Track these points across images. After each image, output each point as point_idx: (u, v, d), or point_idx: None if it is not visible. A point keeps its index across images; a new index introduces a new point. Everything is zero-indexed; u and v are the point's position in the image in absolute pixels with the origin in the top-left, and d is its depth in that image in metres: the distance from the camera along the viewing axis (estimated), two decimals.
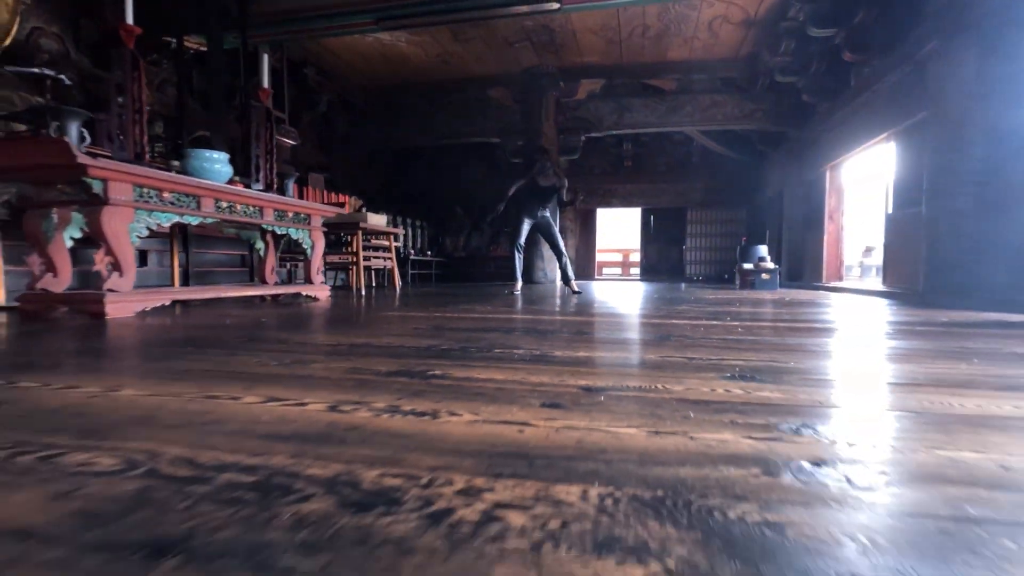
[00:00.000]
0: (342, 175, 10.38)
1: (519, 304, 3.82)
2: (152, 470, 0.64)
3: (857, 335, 2.07)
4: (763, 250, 7.41)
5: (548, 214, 5.23)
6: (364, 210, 9.00)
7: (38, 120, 2.61)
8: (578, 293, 5.29)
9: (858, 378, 1.25)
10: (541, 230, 5.25)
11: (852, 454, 0.71)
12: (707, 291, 6.52)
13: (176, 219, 2.90)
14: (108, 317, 2.48)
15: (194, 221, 3.02)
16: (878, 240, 11.29)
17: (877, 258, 11.10)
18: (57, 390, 1.07)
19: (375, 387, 1.09)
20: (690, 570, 0.43)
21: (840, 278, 7.43)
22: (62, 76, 4.21)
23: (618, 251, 15.10)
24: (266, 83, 4.07)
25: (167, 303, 2.86)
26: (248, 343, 1.75)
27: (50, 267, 2.66)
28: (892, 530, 0.50)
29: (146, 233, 2.72)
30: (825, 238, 7.44)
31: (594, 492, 0.58)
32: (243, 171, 3.91)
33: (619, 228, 15.70)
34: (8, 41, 4.14)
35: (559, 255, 5.30)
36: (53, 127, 2.53)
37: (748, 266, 7.16)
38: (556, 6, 5.07)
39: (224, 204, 3.25)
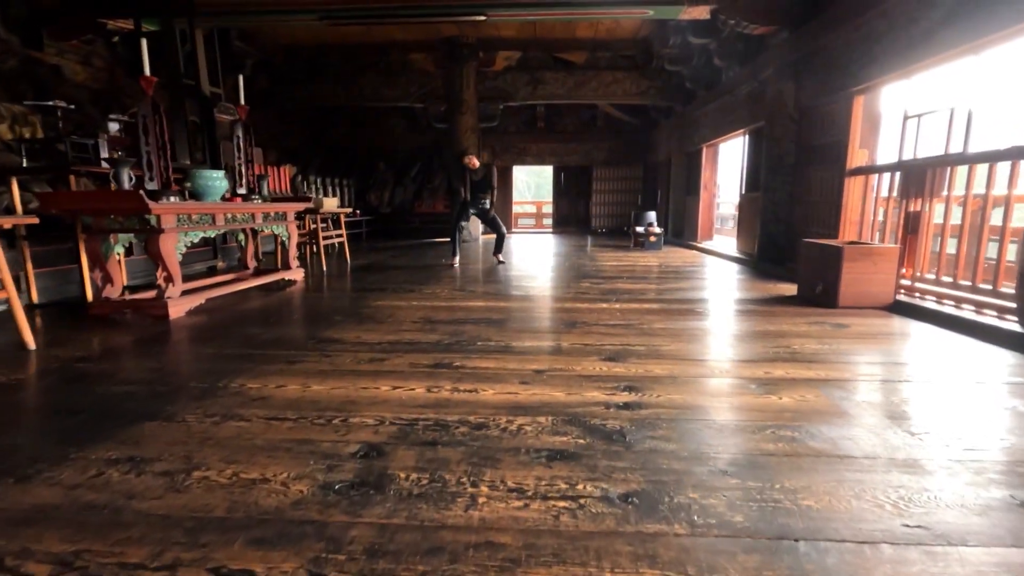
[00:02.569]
0: (264, 134, 10.55)
1: (464, 282, 4.95)
2: (391, 422, 1.77)
3: (693, 324, 3.46)
4: (652, 216, 8.96)
5: (487, 204, 6.26)
6: (299, 178, 9.45)
7: (113, 169, 3.26)
8: (502, 263, 6.48)
9: (675, 358, 2.56)
10: (484, 219, 6.31)
11: (644, 399, 1.99)
12: (607, 252, 7.97)
13: (201, 235, 3.69)
14: (171, 318, 3.34)
15: (212, 234, 3.81)
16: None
17: None
18: (273, 389, 2.11)
19: (436, 377, 2.23)
20: (581, 441, 1.66)
21: (711, 237, 9.19)
22: (71, 106, 4.65)
23: (533, 203, 16.32)
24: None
25: (203, 302, 3.70)
26: (315, 345, 2.79)
27: (108, 279, 3.42)
28: (643, 420, 1.76)
29: (185, 250, 3.52)
30: (700, 204, 9.09)
31: (547, 417, 1.80)
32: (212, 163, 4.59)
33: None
34: None
35: (500, 235, 6.42)
36: (111, 173, 3.22)
37: (640, 229, 8.68)
38: (483, 18, 5.87)
39: (230, 216, 4.03)
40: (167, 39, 5.66)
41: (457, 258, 6.26)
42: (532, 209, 16.30)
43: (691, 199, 9.58)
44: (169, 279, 3.39)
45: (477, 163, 6.15)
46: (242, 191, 4.55)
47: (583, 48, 10.05)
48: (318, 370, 2.32)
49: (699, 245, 8.58)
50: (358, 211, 11.15)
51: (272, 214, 4.64)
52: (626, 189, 13.35)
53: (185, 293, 3.62)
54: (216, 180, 4.00)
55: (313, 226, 6.89)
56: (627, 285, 4.78)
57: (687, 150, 9.66)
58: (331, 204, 6.09)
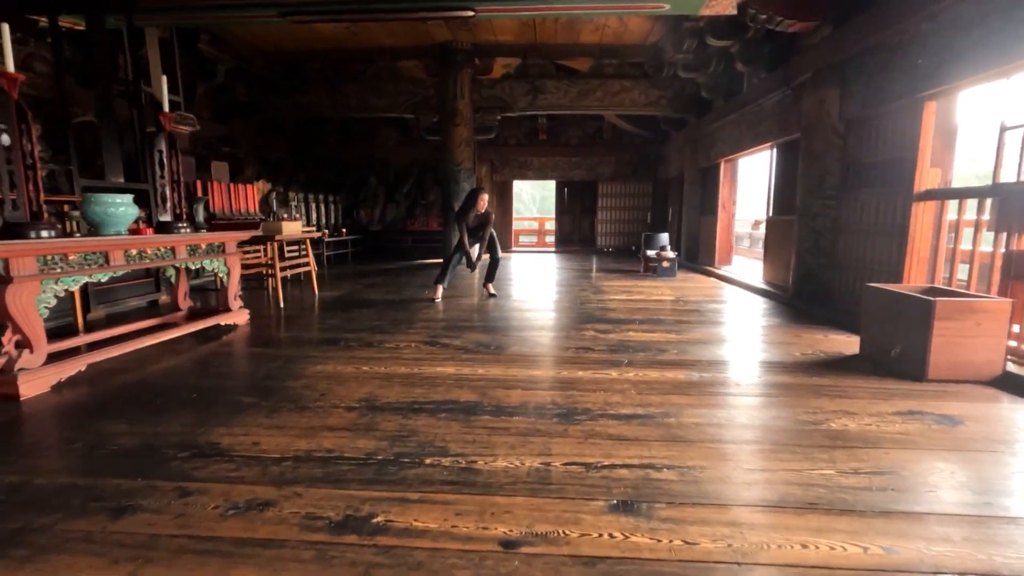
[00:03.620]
0: (245, 147, 9.77)
1: (441, 328, 4.05)
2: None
3: (741, 415, 2.53)
4: (664, 238, 8.04)
5: (486, 235, 5.47)
6: (274, 196, 8.63)
7: None
8: (493, 296, 5.59)
9: (728, 501, 1.65)
10: (481, 240, 5.49)
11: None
12: (614, 279, 7.06)
13: (85, 280, 2.81)
14: (23, 398, 2.45)
15: (104, 278, 2.94)
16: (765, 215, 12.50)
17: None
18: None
19: (334, 562, 1.33)
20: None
21: (730, 261, 8.27)
22: None
23: (535, 219, 15.48)
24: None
25: (82, 369, 2.81)
26: (183, 464, 1.89)
27: None
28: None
29: (54, 302, 2.64)
30: (718, 225, 8.18)
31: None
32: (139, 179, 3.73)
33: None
34: None
35: (494, 259, 5.57)
36: None
37: (651, 253, 7.77)
38: (470, 13, 5.04)
39: (134, 252, 3.15)
40: (95, 36, 4.83)
41: (441, 290, 5.36)
42: (534, 226, 15.44)
43: (707, 219, 8.68)
44: (25, 344, 2.51)
45: (485, 204, 5.36)
46: (165, 218, 3.68)
47: (588, 54, 9.22)
48: (147, 537, 1.42)
49: (717, 271, 7.66)
50: (344, 230, 10.31)
51: (203, 246, 3.77)
52: (634, 206, 12.47)
53: (59, 356, 2.74)
54: (118, 207, 3.14)
55: (281, 254, 6.05)
56: (641, 334, 3.86)
57: (702, 165, 8.77)
58: (292, 228, 5.23)
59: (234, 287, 4.09)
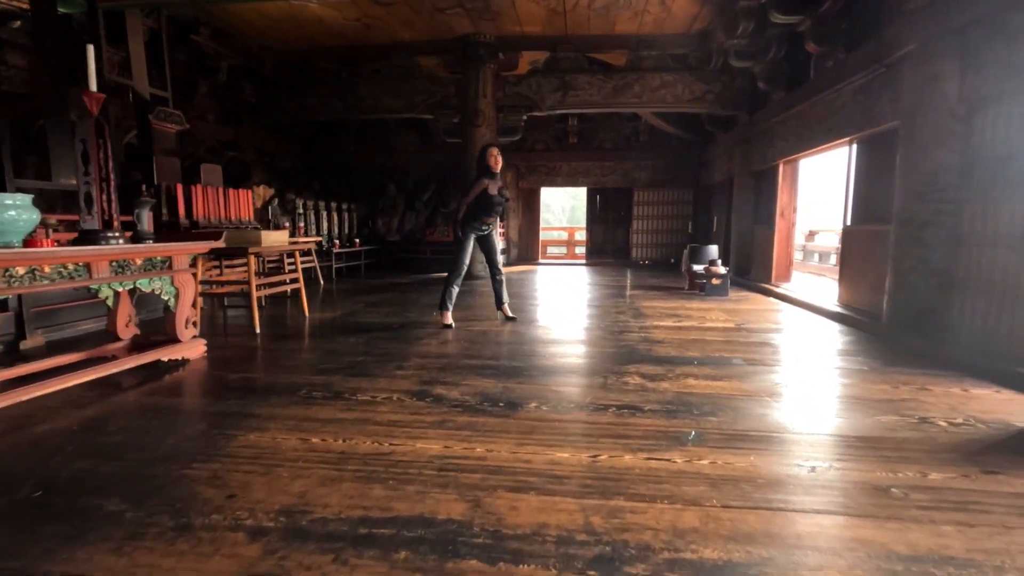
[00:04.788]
0: (253, 151, 9.15)
1: (438, 370, 3.14)
2: None
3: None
4: (713, 251, 6.99)
5: (491, 229, 4.55)
6: (276, 202, 7.93)
7: None
8: (512, 319, 4.68)
9: None
10: (483, 244, 4.56)
11: None
12: (656, 298, 6.05)
13: None
14: None
15: None
16: (820, 223, 11.22)
17: (822, 243, 11.07)
18: None
19: None
20: None
21: (788, 277, 7.15)
22: None
23: (564, 229, 14.53)
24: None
25: None
26: None
27: None
28: None
29: None
30: (776, 236, 7.09)
31: None
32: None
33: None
34: None
35: (495, 272, 4.64)
36: None
37: (698, 268, 6.73)
38: None
39: (21, 271, 2.35)
40: (41, 19, 4.13)
41: (450, 315, 4.45)
42: (563, 236, 14.48)
43: (761, 229, 7.59)
44: None
45: (500, 160, 4.44)
46: (90, 225, 2.89)
47: (624, 46, 8.28)
48: None
49: (776, 289, 6.56)
50: (357, 240, 9.56)
51: (137, 262, 2.96)
52: (673, 215, 11.41)
53: None
54: (11, 210, 2.35)
55: (271, 267, 5.29)
56: (703, 381, 2.87)
57: (756, 168, 7.70)
58: (276, 239, 4.42)
59: (184, 312, 3.28)
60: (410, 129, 11.28)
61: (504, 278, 4.69)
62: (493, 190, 4.37)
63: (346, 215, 9.93)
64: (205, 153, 7.87)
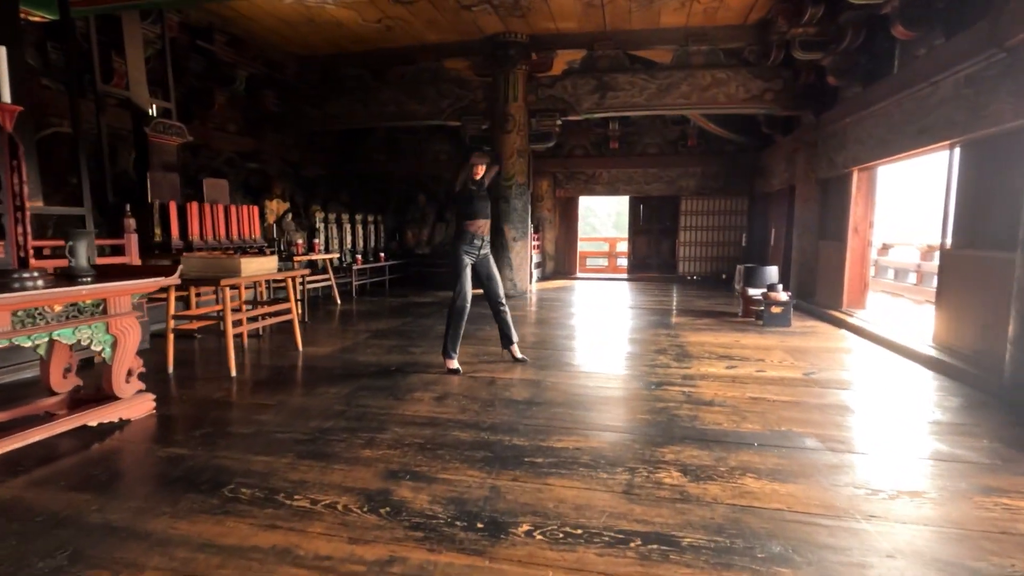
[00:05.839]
0: (276, 163, 8.82)
1: (419, 449, 2.48)
2: None
3: None
4: (773, 274, 6.05)
5: (486, 251, 3.85)
6: (289, 217, 7.51)
7: None
8: (522, 360, 3.96)
9: None
10: (479, 271, 3.83)
11: None
12: (704, 328, 5.20)
13: None
14: None
15: None
16: (896, 235, 9.92)
17: (897, 257, 9.81)
18: None
19: None
20: None
21: (863, 303, 6.12)
22: None
23: (604, 240, 13.68)
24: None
25: None
26: None
27: None
28: None
29: None
30: (848, 254, 6.08)
31: None
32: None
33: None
34: None
35: (498, 306, 3.90)
36: None
37: (755, 294, 5.83)
38: None
39: None
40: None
41: (456, 361, 3.77)
42: (603, 247, 13.62)
43: (829, 246, 6.58)
44: None
45: (483, 169, 3.73)
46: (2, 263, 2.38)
47: (670, 41, 7.43)
48: None
49: (849, 319, 5.57)
50: (383, 254, 9.07)
51: (54, 309, 2.43)
52: (725, 226, 10.40)
53: None
54: None
55: (255, 295, 4.80)
56: (766, 484, 2.08)
57: (824, 175, 6.70)
58: (260, 267, 3.88)
59: (125, 364, 2.75)
60: (441, 137, 10.76)
61: (508, 310, 3.93)
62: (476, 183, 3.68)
63: (372, 227, 9.47)
64: (222, 165, 7.56)
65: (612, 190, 10.82)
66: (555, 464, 2.26)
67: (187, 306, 4.65)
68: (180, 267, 2.93)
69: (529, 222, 8.27)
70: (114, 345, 2.70)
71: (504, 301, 3.88)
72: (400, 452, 2.38)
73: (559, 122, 7.98)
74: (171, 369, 3.71)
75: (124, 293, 2.70)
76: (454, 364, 3.74)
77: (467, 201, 3.67)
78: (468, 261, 3.70)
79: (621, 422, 2.79)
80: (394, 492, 2.01)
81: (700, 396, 3.21)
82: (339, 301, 7.26)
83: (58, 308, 2.44)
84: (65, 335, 2.48)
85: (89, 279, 2.63)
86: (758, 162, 9.64)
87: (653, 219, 11.13)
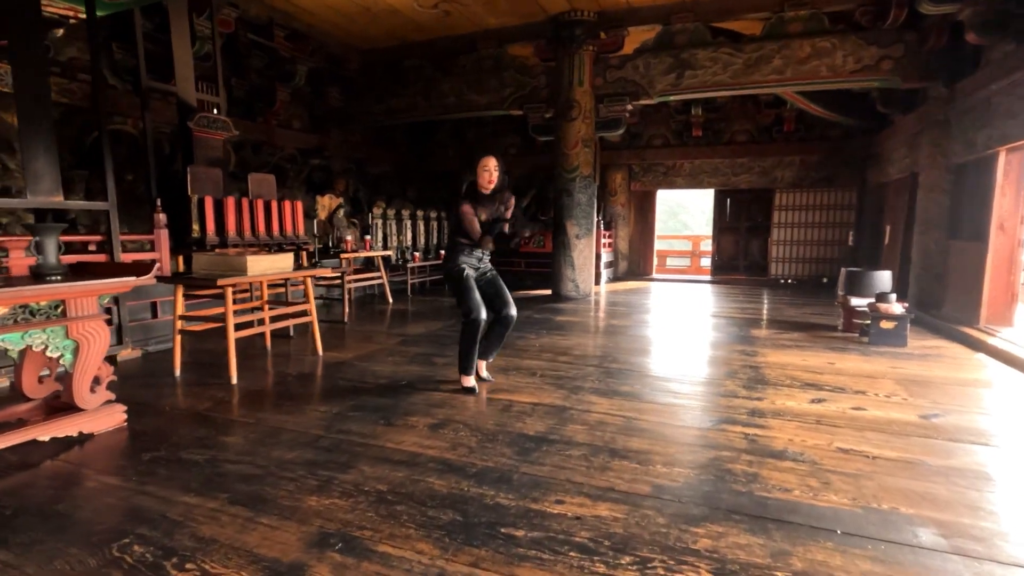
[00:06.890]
0: (341, 159, 8.78)
1: (396, 545, 1.99)
2: None
3: None
4: (885, 280, 4.93)
5: (488, 266, 3.31)
6: (341, 212, 7.36)
7: None
8: (486, 380, 3.38)
9: None
10: (486, 288, 3.27)
11: None
12: (794, 346, 4.28)
13: None
14: None
15: None
16: None
17: None
18: None
19: None
20: None
21: (1011, 320, 4.85)
22: None
23: (686, 238, 12.57)
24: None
25: None
26: None
27: None
28: None
29: None
30: (990, 257, 4.84)
31: None
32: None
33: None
34: None
35: (506, 323, 3.29)
36: None
37: (860, 304, 4.78)
38: None
39: None
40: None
41: (472, 379, 3.24)
42: (686, 246, 12.51)
43: (964, 247, 5.32)
44: None
45: (495, 177, 3.13)
46: None
47: (761, 7, 6.41)
48: None
49: (989, 340, 4.38)
50: (443, 251, 8.74)
51: (2, 312, 2.20)
52: (828, 223, 9.04)
53: None
54: None
55: (286, 294, 4.57)
56: None
57: (958, 160, 5.44)
58: (272, 264, 3.58)
59: (89, 371, 2.50)
60: (511, 130, 10.30)
61: (511, 319, 3.32)
62: (485, 216, 3.10)
63: (435, 224, 9.20)
64: (282, 161, 7.57)
65: (695, 183, 9.78)
66: (537, 543, 1.66)
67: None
68: (157, 266, 2.65)
69: (595, 217, 7.58)
70: (75, 351, 2.45)
71: (513, 319, 3.28)
72: (351, 504, 1.89)
73: (629, 107, 7.20)
74: (178, 372, 3.51)
75: (86, 294, 2.44)
76: (470, 382, 3.23)
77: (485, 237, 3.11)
78: (467, 272, 3.17)
79: (647, 478, 2.12)
80: (307, 572, 1.52)
81: (768, 443, 2.45)
82: (391, 300, 7.00)
83: (3, 310, 2.21)
84: (11, 340, 2.24)
85: (58, 277, 2.41)
86: (870, 148, 8.23)
87: (741, 215, 9.96)
